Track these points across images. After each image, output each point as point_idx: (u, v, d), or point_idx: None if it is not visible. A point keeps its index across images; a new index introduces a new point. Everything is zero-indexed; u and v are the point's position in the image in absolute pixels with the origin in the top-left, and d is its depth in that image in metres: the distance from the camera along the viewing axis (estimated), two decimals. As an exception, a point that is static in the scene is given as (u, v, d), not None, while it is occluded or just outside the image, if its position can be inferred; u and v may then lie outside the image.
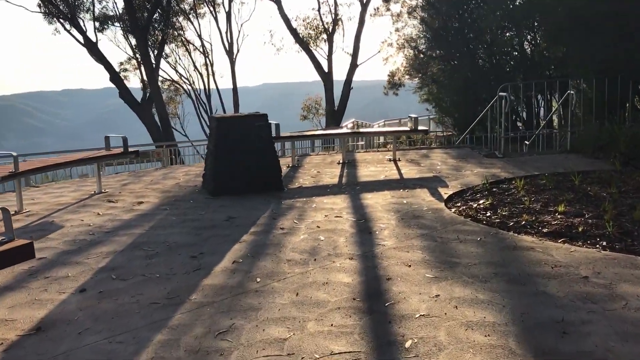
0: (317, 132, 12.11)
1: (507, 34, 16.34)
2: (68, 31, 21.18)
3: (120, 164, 11.89)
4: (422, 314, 3.23)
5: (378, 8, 23.87)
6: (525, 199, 5.85)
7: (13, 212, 6.43)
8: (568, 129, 10.15)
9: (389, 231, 4.99)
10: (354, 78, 24.44)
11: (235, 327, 3.17)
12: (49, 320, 3.40)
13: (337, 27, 24.75)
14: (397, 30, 21.48)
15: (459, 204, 6.04)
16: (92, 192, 7.55)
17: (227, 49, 26.10)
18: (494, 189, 6.55)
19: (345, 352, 2.82)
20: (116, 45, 25.34)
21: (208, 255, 4.52)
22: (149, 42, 22.06)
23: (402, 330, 3.03)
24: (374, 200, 6.28)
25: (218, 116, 7.37)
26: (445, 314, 3.22)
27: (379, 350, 2.84)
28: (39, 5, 20.52)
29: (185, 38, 26.17)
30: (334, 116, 23.48)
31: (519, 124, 16.16)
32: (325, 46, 24.70)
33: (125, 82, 24.83)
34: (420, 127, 9.62)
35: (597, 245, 4.36)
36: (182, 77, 27.01)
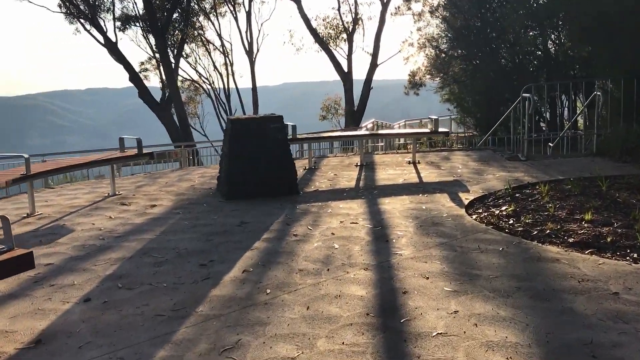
0: (335, 134, 11.92)
1: (531, 33, 16.01)
2: (88, 31, 21.29)
3: (137, 164, 11.82)
4: (440, 332, 3.04)
5: (399, 7, 23.63)
6: (550, 205, 5.60)
7: (25, 215, 6.37)
8: (594, 131, 9.84)
9: (407, 239, 4.79)
10: (374, 78, 24.22)
11: (241, 343, 3.01)
12: (50, 332, 3.27)
13: (357, 26, 24.56)
14: (418, 29, 21.20)
15: (480, 211, 5.81)
16: (106, 194, 7.46)
17: (247, 48, 26.05)
18: (517, 195, 6.31)
19: (356, 375, 2.65)
20: (137, 45, 25.38)
21: (218, 264, 4.37)
22: (169, 42, 22.07)
23: (418, 351, 2.84)
24: (391, 206, 6.08)
25: (232, 118, 7.23)
26: (465, 332, 3.02)
27: (392, 373, 2.65)
28: (60, 6, 20.64)
29: (205, 38, 26.19)
30: (354, 116, 23.27)
31: (542, 124, 15.81)
32: (345, 46, 24.55)
33: (145, 81, 24.93)
34: (441, 129, 9.38)
35: (628, 258, 4.12)
36: (202, 77, 27.04)
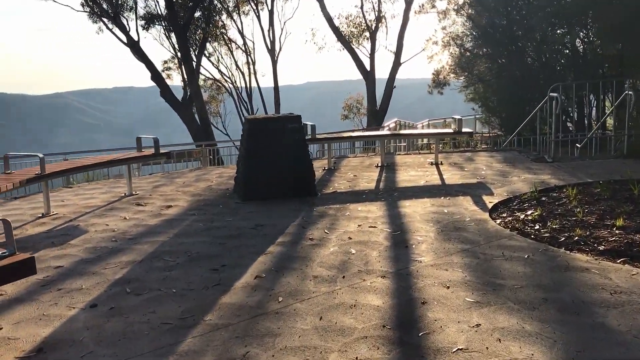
0: (355, 134, 11.72)
1: (558, 31, 15.61)
2: (110, 30, 21.38)
3: (157, 163, 11.77)
4: (460, 347, 2.84)
5: (423, 5, 23.26)
6: (578, 210, 5.35)
7: (40, 215, 6.30)
8: (624, 132, 9.49)
9: (427, 245, 4.59)
10: (397, 76, 23.91)
11: (249, 356, 2.85)
12: (52, 340, 3.14)
13: (380, 24, 24.28)
14: (443, 28, 20.86)
15: (504, 215, 5.58)
16: (123, 194, 7.38)
17: (269, 47, 25.94)
18: (543, 198, 6.06)
19: (369, 395, 2.47)
20: (160, 43, 25.44)
21: (230, 269, 4.21)
22: (190, 41, 22.07)
23: (436, 369, 2.65)
24: (412, 209, 5.88)
25: (249, 117, 7.09)
26: (487, 348, 2.82)
27: (408, 393, 2.47)
28: (82, 5, 20.76)
29: (227, 36, 26.14)
30: (376, 116, 23.01)
31: (569, 125, 15.41)
32: (367, 44, 24.27)
33: (169, 80, 24.98)
34: (465, 129, 9.13)
35: (663, 268, 3.87)
36: (224, 76, 27.01)
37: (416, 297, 3.52)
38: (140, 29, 22.17)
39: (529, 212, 5.48)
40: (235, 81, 26.79)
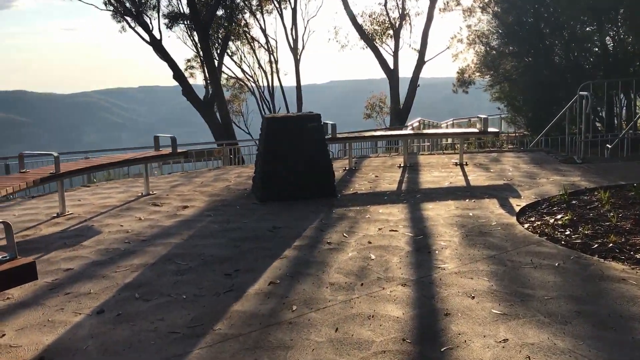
0: (376, 133, 11.48)
1: (588, 29, 15.16)
2: (133, 29, 21.40)
3: (177, 162, 11.67)
4: (487, 365, 2.62)
5: (447, 2, 22.89)
6: (612, 214, 5.06)
7: (55, 215, 6.21)
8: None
9: (451, 251, 4.36)
10: (422, 75, 23.57)
11: (259, 370, 2.67)
12: (55, 349, 3.00)
13: (404, 22, 23.97)
14: (468, 26, 20.46)
15: (532, 219, 5.32)
16: (140, 194, 7.27)
17: (292, 45, 25.80)
18: (574, 201, 5.77)
19: (386, 418, 2.26)
20: (183, 42, 25.46)
21: (243, 273, 4.04)
22: (213, 40, 22.00)
23: (460, 389, 2.44)
24: (435, 212, 5.64)
25: (268, 116, 6.91)
26: (516, 366, 2.60)
27: (429, 417, 2.26)
28: (105, 3, 20.83)
29: (250, 35, 26.06)
30: (399, 115, 22.71)
31: (598, 124, 14.96)
32: (391, 42, 23.98)
33: (192, 79, 25.00)
34: (490, 129, 8.84)
35: None
36: (247, 75, 26.95)
37: (439, 307, 3.30)
38: (163, 27, 22.21)
39: (558, 216, 5.21)
40: (257, 80, 26.74)
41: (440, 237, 4.75)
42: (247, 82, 27.15)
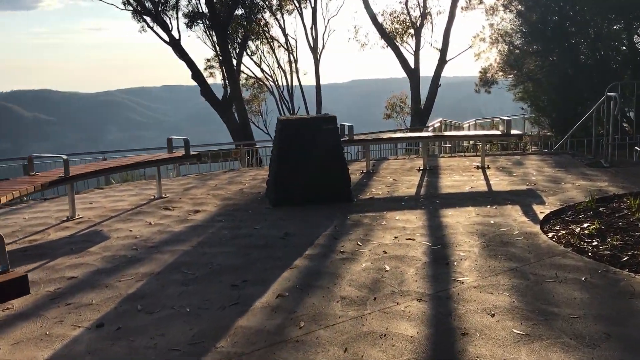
0: (395, 135, 11.24)
1: (614, 27, 14.72)
2: (151, 28, 21.36)
3: (194, 163, 11.54)
4: (507, 394, 2.40)
5: (470, 1, 22.54)
6: (642, 223, 4.78)
7: (65, 219, 6.10)
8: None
9: (470, 262, 4.13)
10: (443, 74, 23.23)
11: (260, 395, 2.48)
12: (48, 366, 2.85)
13: (425, 21, 23.62)
14: (491, 25, 20.08)
15: (557, 228, 5.05)
16: (152, 197, 7.14)
17: (312, 45, 25.61)
18: (601, 209, 5.49)
19: None
20: (203, 42, 25.39)
21: (251, 285, 3.86)
22: (232, 39, 21.89)
23: (478, 423, 2.22)
24: (454, 219, 5.41)
25: (282, 118, 6.73)
26: (539, 397, 2.38)
27: None
28: (124, 3, 20.82)
29: (270, 35, 25.92)
30: (420, 115, 22.38)
31: (625, 126, 14.52)
32: (412, 41, 23.65)
33: (211, 79, 24.94)
34: (513, 131, 8.56)
35: None
36: (266, 75, 26.82)
37: (456, 326, 3.09)
38: (182, 27, 22.17)
39: (585, 225, 4.94)
40: (277, 80, 26.58)
41: (460, 246, 4.52)
42: (267, 82, 27.01)
